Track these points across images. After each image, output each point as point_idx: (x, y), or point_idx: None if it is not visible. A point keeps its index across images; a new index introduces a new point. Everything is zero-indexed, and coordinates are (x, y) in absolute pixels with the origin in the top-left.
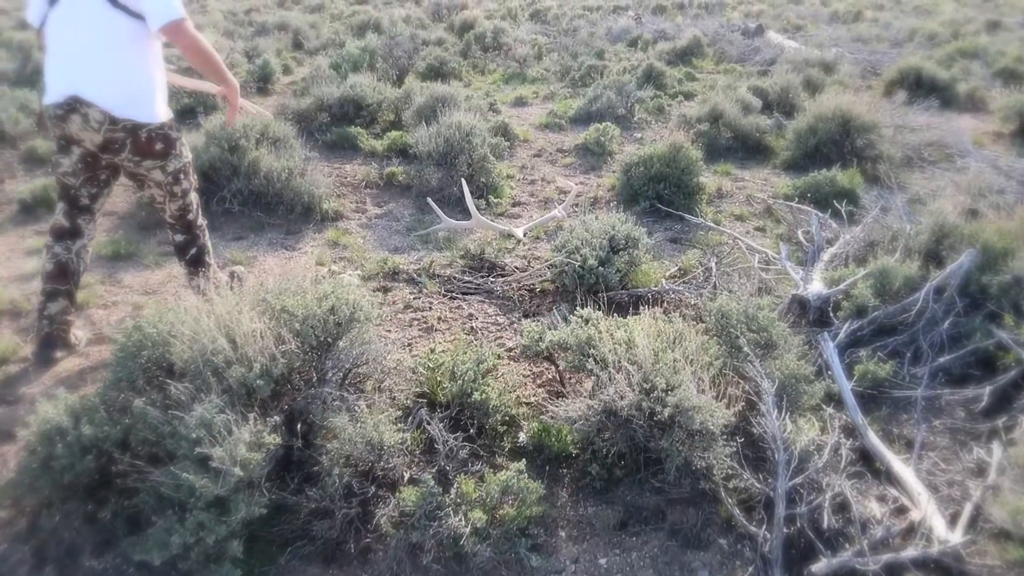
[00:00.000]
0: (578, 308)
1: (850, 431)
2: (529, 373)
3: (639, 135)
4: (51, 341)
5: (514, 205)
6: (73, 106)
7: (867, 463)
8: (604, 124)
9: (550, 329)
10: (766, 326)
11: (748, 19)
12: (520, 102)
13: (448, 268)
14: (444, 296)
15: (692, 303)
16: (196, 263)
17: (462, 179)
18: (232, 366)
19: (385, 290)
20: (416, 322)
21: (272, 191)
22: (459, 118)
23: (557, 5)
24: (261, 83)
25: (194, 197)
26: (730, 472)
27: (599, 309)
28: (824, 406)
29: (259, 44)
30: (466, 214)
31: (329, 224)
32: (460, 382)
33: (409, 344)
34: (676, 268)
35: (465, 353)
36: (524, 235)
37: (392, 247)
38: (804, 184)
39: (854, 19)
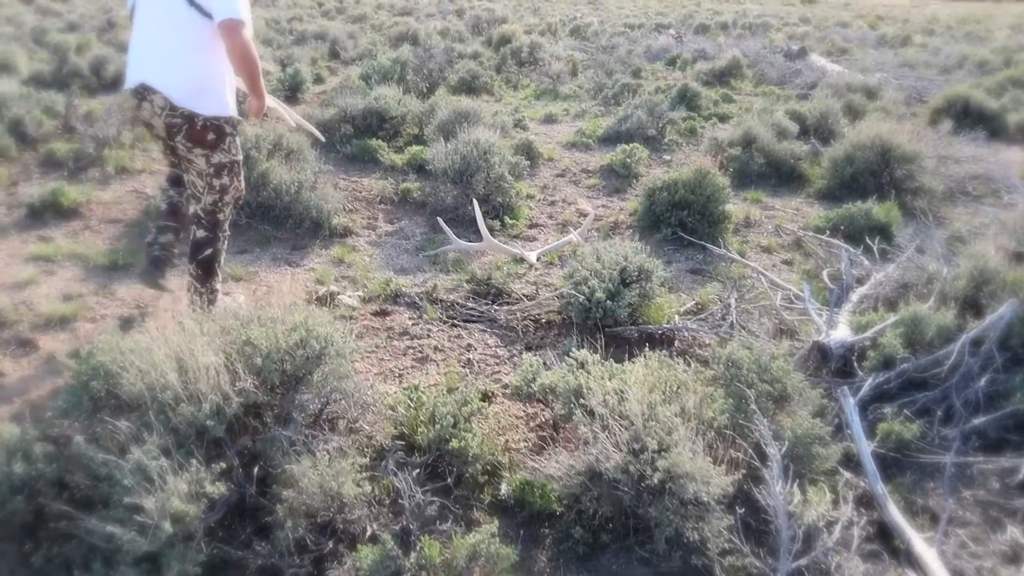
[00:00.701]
0: (574, 348)
1: (867, 501)
2: (523, 414)
3: (668, 157)
4: (159, 262)
5: (531, 227)
6: (142, 93)
7: (885, 540)
8: (632, 145)
9: (546, 368)
10: (780, 377)
11: (792, 41)
12: (550, 119)
13: (453, 293)
14: (445, 323)
15: (706, 343)
16: (206, 267)
17: (473, 199)
18: (181, 404)
19: (384, 313)
20: (411, 350)
21: (280, 204)
22: (478, 135)
23: (598, 22)
24: (291, 92)
25: (231, 199)
26: (727, 547)
27: (604, 346)
28: (841, 469)
29: (295, 52)
30: (479, 235)
31: (337, 240)
32: (438, 427)
33: (400, 375)
34: (693, 303)
35: (449, 394)
36: (537, 259)
37: (399, 267)
38: (837, 216)
39: (902, 44)
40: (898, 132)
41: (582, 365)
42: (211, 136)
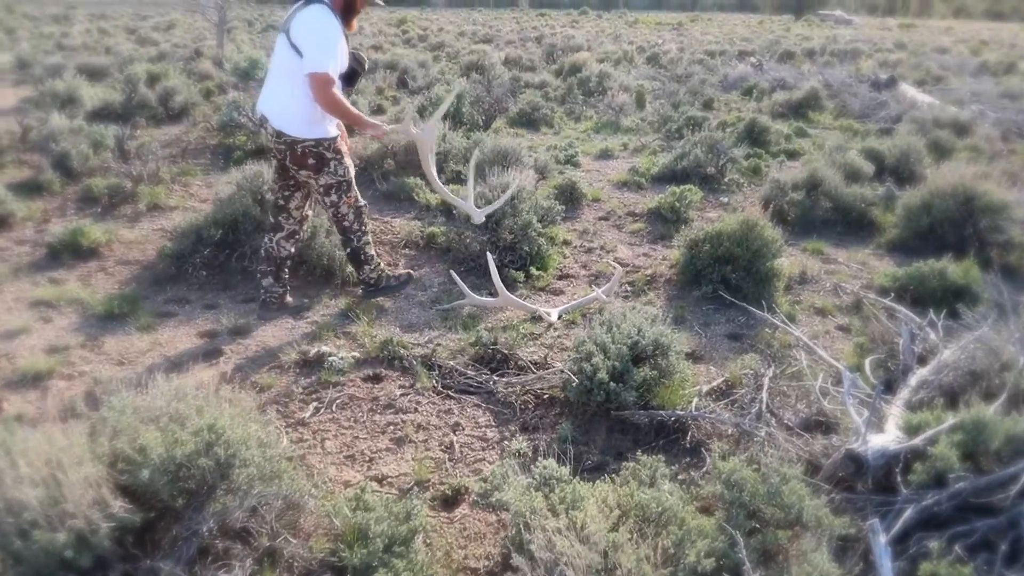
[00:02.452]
0: (540, 460)
1: None
2: (495, 520)
3: (726, 199)
4: (265, 304)
5: (560, 278)
6: (262, 121)
7: None
8: (685, 187)
9: (529, 463)
10: (793, 503)
11: (881, 69)
12: (605, 155)
13: (454, 357)
14: (438, 394)
15: (727, 433)
16: (354, 261)
17: (487, 253)
18: (37, 528)
19: (376, 379)
20: (392, 428)
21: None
22: (507, 178)
23: (677, 49)
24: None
25: (346, 210)
26: None
27: (608, 432)
28: None
29: (360, 83)
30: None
31: (349, 290)
32: (366, 551)
33: (371, 459)
34: (722, 379)
35: (400, 499)
36: (558, 318)
37: (406, 323)
38: (906, 275)
39: (1006, 71)
40: (985, 177)
41: (546, 482)
42: (311, 160)
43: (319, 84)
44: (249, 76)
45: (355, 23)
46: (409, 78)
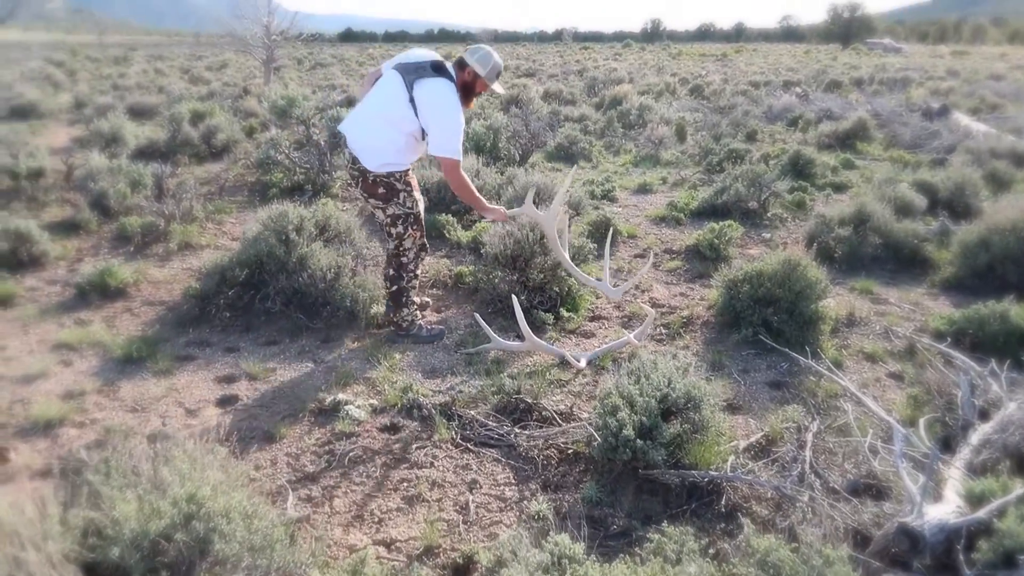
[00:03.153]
0: (552, 535)
1: None
2: None
3: (768, 235)
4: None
5: (592, 319)
6: (344, 142)
7: None
8: (725, 222)
9: (549, 522)
10: None
11: (933, 97)
12: (644, 189)
13: (476, 406)
14: (457, 446)
15: (767, 496)
16: (395, 299)
17: (513, 296)
18: None
19: (393, 429)
20: (405, 484)
21: (316, 291)
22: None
23: (721, 80)
24: None
25: (409, 245)
26: None
27: (636, 493)
28: None
29: None
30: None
31: (373, 332)
32: None
33: (380, 520)
34: (761, 434)
35: (413, 564)
36: (587, 363)
37: (429, 368)
38: (963, 318)
39: None
40: None
41: (558, 562)
42: (381, 190)
43: (453, 168)
44: (286, 114)
45: (472, 104)
46: None
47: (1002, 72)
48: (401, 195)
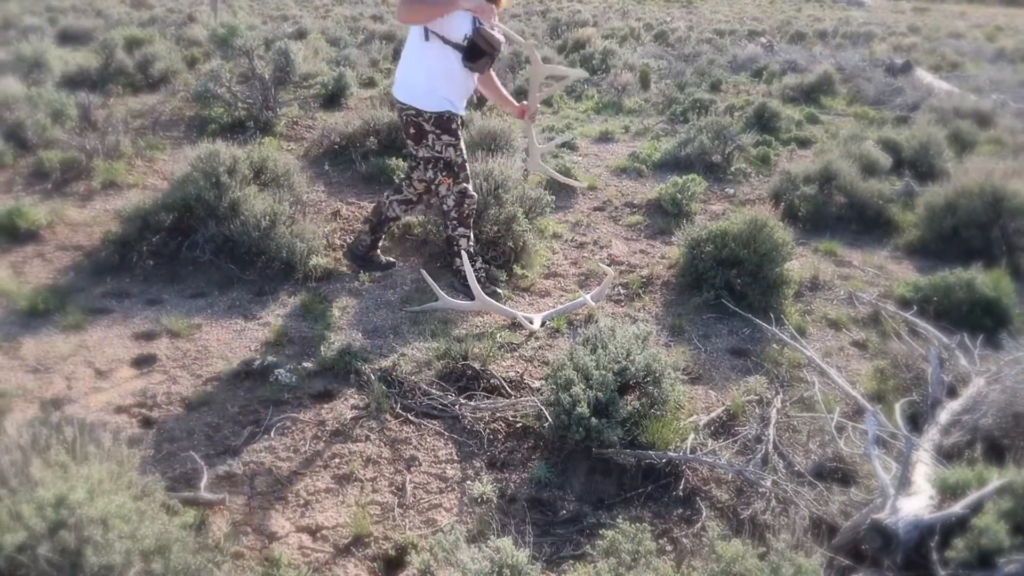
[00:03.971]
0: (492, 538)
1: None
2: None
3: (731, 190)
4: (352, 253)
5: (547, 276)
6: None
7: None
8: (688, 176)
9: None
10: None
11: (896, 53)
12: (605, 137)
13: (419, 371)
14: (395, 418)
15: (727, 479)
16: (449, 243)
17: (463, 252)
18: None
19: (328, 396)
20: (336, 461)
21: (250, 240)
22: (492, 166)
23: (686, 27)
24: (332, 96)
25: (445, 192)
26: None
27: (587, 473)
28: None
29: (352, 54)
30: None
31: (312, 286)
32: None
33: (306, 503)
34: (722, 408)
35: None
36: (541, 325)
37: (371, 327)
38: (929, 285)
39: (1023, 59)
40: (1014, 176)
41: (499, 571)
42: (412, 130)
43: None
44: (227, 44)
45: (503, 2)
46: None
47: (962, 30)
48: (430, 137)
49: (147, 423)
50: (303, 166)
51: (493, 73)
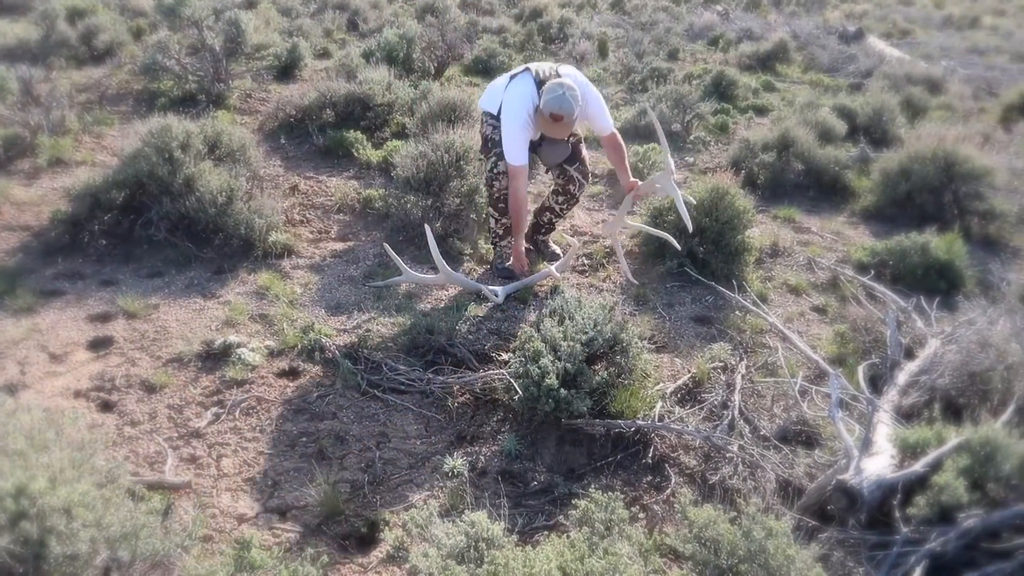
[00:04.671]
0: (467, 513)
1: None
2: None
3: (691, 159)
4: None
5: None
6: None
7: None
8: (648, 146)
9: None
10: (780, 566)
11: (849, 20)
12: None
13: (385, 347)
14: (362, 394)
15: (695, 445)
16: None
17: (426, 225)
18: None
19: (293, 374)
20: (304, 440)
21: (206, 217)
22: (453, 137)
23: None
24: (286, 68)
25: (501, 196)
26: None
27: (558, 443)
28: None
29: (305, 24)
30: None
31: (272, 262)
32: None
33: (275, 483)
34: (688, 375)
35: (287, 562)
36: (505, 298)
37: (334, 303)
38: (885, 249)
39: (970, 25)
40: (965, 141)
41: (475, 546)
42: (480, 138)
43: (511, 174)
44: (175, 14)
45: (546, 129)
46: (360, 20)
47: None
48: (491, 149)
49: (107, 407)
50: (258, 140)
51: (622, 142)
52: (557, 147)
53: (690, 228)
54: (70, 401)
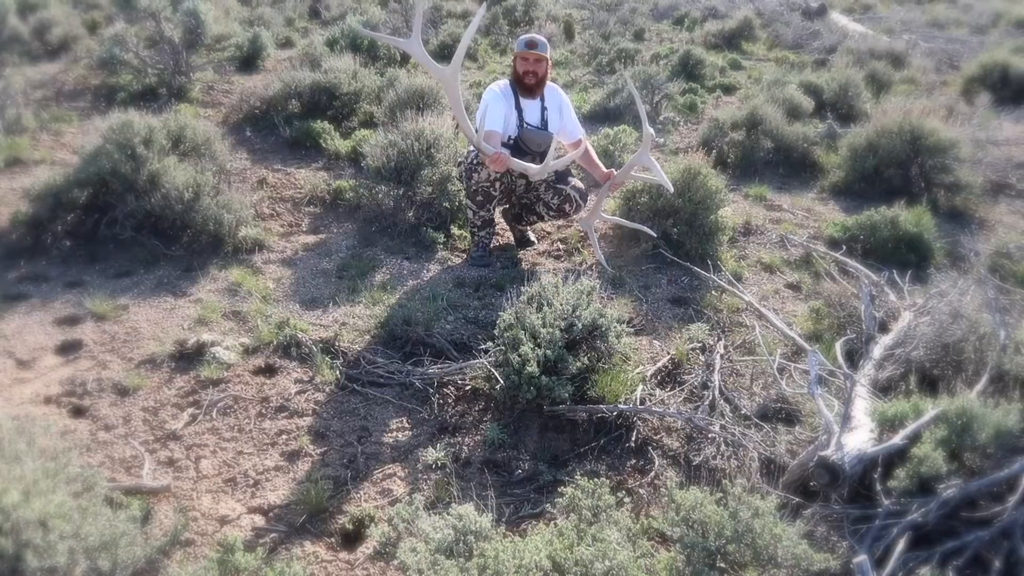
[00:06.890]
0: (454, 506)
1: None
2: None
3: (661, 140)
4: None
5: None
6: None
7: None
8: (619, 127)
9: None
10: (767, 544)
11: None
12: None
13: (363, 339)
14: (342, 389)
15: (677, 426)
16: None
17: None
18: None
19: (269, 371)
20: (284, 438)
21: (173, 214)
22: (423, 125)
23: None
24: (248, 58)
25: (479, 189)
26: None
27: (541, 431)
28: None
29: (266, 13)
30: (418, 247)
31: (242, 258)
32: None
33: (256, 482)
34: (667, 358)
35: (272, 563)
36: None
37: (308, 298)
38: (856, 224)
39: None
40: (930, 114)
41: (463, 538)
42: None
43: (485, 137)
44: (131, 5)
45: (537, 91)
46: (322, 8)
47: None
48: (466, 160)
49: (79, 412)
50: (223, 133)
51: (589, 146)
52: (540, 133)
53: (671, 189)
54: (41, 408)
